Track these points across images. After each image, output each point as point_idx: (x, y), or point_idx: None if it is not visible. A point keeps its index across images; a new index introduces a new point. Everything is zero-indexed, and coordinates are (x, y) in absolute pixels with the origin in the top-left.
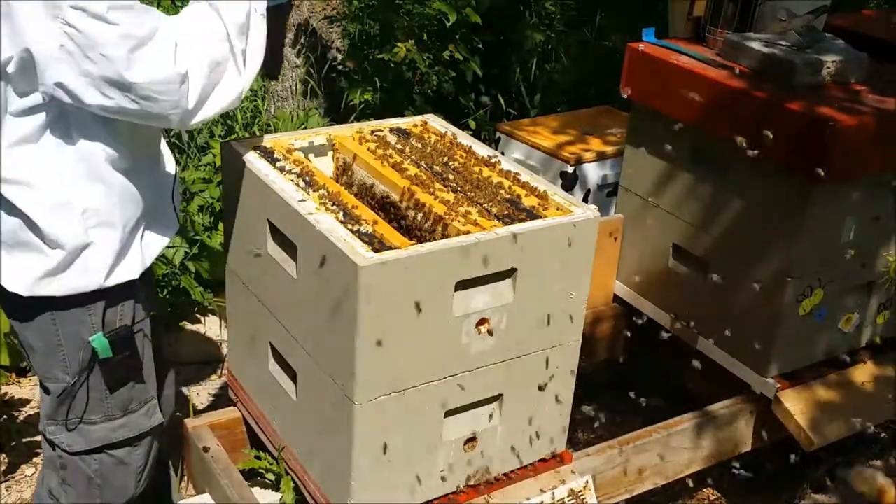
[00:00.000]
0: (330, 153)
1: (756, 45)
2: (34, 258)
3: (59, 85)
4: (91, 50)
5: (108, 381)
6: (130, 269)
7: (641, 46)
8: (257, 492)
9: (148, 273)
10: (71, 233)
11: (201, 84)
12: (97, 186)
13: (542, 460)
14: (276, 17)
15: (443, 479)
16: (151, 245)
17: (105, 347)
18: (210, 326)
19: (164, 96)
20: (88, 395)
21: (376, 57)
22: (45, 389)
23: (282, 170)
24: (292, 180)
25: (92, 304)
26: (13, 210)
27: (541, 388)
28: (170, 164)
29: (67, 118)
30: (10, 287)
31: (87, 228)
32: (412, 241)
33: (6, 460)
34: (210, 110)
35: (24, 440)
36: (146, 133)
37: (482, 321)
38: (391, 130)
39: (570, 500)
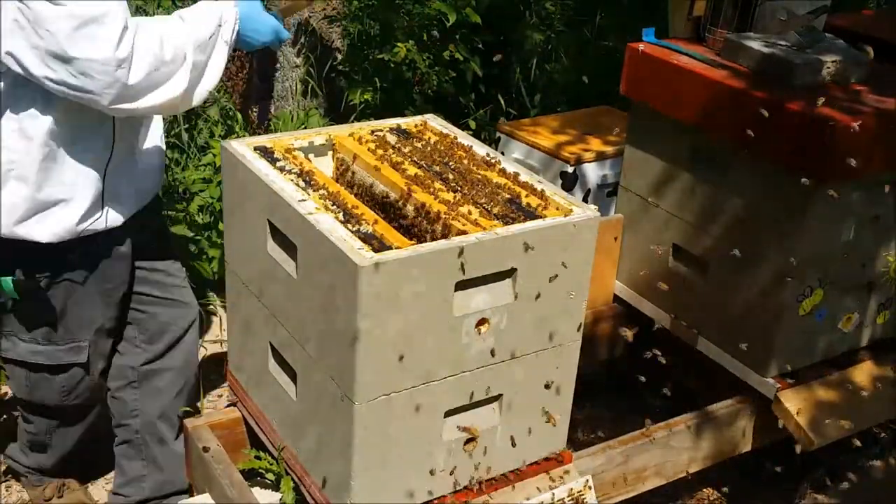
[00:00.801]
0: (330, 153)
1: (756, 45)
2: None
3: (10, 54)
4: (39, 26)
5: (20, 320)
6: (28, 230)
7: (641, 46)
8: (257, 492)
9: (95, 258)
10: None
11: (143, 74)
12: (21, 142)
13: (543, 460)
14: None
15: (443, 479)
16: (61, 224)
17: (10, 289)
18: (210, 326)
19: (100, 75)
20: (13, 324)
21: (376, 57)
22: None
23: (282, 170)
24: (292, 180)
25: (13, 247)
26: None
27: (542, 388)
28: (138, 164)
29: (22, 85)
30: None
31: (9, 178)
32: (412, 241)
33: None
34: (145, 103)
35: None
36: (93, 120)
37: (482, 321)
38: (391, 130)
39: (569, 501)
